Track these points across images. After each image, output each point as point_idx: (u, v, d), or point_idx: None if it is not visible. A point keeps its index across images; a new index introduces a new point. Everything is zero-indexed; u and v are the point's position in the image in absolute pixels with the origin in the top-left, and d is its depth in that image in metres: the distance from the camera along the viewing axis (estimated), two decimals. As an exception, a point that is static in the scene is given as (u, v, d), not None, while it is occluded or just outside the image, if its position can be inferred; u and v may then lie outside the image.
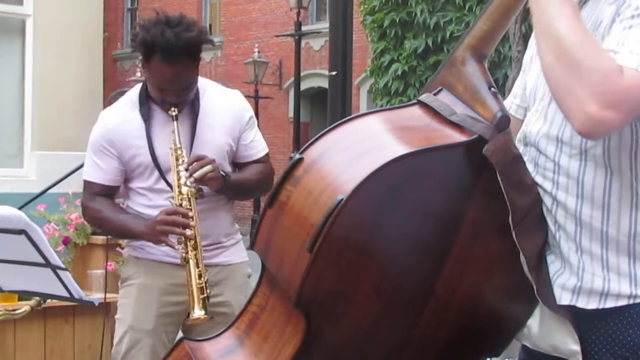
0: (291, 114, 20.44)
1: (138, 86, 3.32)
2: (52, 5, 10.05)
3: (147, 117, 3.22)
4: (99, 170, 3.27)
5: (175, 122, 3.14)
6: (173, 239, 3.07)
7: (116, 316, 3.38)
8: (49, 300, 2.97)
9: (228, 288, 3.31)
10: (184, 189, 3.09)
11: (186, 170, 3.08)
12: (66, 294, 2.57)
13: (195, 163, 3.07)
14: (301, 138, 18.36)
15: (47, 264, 2.47)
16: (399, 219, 1.74)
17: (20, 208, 3.07)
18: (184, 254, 3.03)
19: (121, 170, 3.26)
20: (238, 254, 3.42)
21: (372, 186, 1.67)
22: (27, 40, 10.17)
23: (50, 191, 4.66)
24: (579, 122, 1.60)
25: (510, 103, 2.02)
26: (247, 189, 3.35)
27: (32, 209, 4.74)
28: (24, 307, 2.94)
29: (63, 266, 2.53)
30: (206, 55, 23.29)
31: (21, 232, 2.37)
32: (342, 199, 1.66)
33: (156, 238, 3.10)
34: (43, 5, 10.05)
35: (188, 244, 3.03)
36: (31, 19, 10.12)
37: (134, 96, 3.29)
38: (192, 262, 3.02)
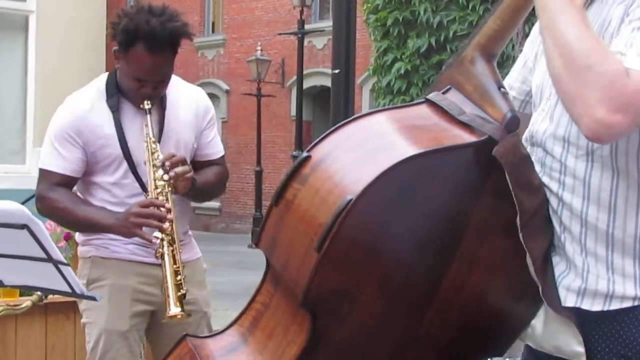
0: (293, 112, 20.44)
1: (104, 75, 3.25)
2: (55, 2, 10.05)
3: (115, 108, 3.14)
4: (61, 159, 3.14)
5: (148, 116, 3.06)
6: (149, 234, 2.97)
7: (84, 320, 3.26)
8: (50, 296, 2.95)
9: (192, 285, 3.20)
10: (160, 183, 3.01)
11: (163, 165, 3.00)
12: (68, 290, 2.56)
13: (174, 158, 3.01)
14: (303, 137, 18.38)
15: (49, 259, 2.46)
16: (407, 219, 1.73)
17: (22, 204, 3.06)
18: (160, 250, 2.94)
19: (84, 161, 3.14)
20: (194, 250, 3.36)
21: (381, 187, 1.67)
22: (29, 36, 10.18)
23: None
24: (587, 127, 1.60)
25: None
26: (207, 192, 3.29)
27: (34, 205, 4.73)
28: (26, 302, 2.92)
29: (65, 261, 2.52)
30: (209, 53, 23.40)
31: (23, 226, 2.36)
32: (351, 200, 1.65)
33: (129, 231, 2.99)
34: (46, 1, 10.05)
35: (165, 239, 2.94)
36: (34, 15, 10.13)
37: (101, 85, 3.21)
38: (167, 258, 2.92)
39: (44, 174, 3.20)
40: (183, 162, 3.03)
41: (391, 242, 1.76)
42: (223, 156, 3.39)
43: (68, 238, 4.93)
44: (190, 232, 3.39)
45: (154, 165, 3.03)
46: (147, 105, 3.07)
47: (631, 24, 1.67)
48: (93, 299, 2.74)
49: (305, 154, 1.80)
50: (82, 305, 3.27)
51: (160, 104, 3.18)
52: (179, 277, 2.91)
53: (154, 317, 3.24)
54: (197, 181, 3.13)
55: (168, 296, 2.89)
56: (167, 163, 3.00)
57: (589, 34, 1.63)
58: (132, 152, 3.12)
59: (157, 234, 2.95)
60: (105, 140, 3.13)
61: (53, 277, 2.52)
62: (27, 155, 10.22)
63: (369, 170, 1.68)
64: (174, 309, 2.88)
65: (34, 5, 10.10)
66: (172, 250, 2.94)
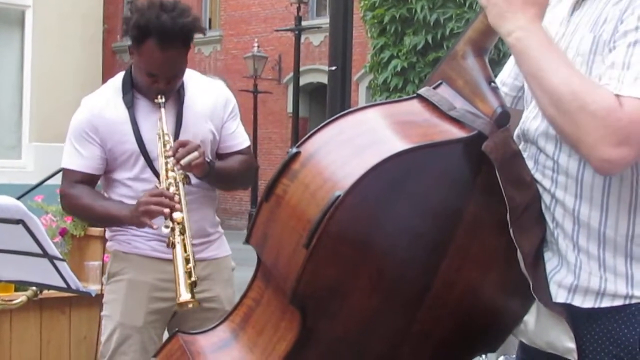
0: (290, 108, 20.42)
1: (121, 74, 3.27)
2: (52, -3, 10.04)
3: (130, 104, 3.17)
4: (80, 158, 3.19)
5: (162, 109, 3.09)
6: (159, 223, 2.97)
7: (103, 313, 3.30)
8: (45, 291, 2.96)
9: (216, 283, 3.27)
10: (171, 174, 3.02)
11: (173, 156, 3.01)
12: (63, 285, 2.56)
13: (181, 149, 3.01)
14: (300, 133, 18.36)
15: (45, 254, 2.46)
16: (396, 215, 1.73)
17: (17, 199, 3.06)
18: (171, 239, 2.93)
19: (103, 158, 3.19)
20: (223, 248, 3.38)
21: (369, 182, 1.66)
22: (26, 31, 10.18)
23: (48, 182, 4.65)
24: (595, 166, 1.64)
25: None
26: (231, 177, 3.27)
27: (30, 200, 4.73)
28: (21, 297, 2.93)
29: (60, 256, 2.53)
30: (205, 50, 23.35)
31: (19, 221, 2.36)
32: (339, 195, 1.65)
33: (138, 220, 3.00)
34: (43, -4, 10.05)
35: (176, 228, 2.94)
36: (30, 10, 10.12)
37: (117, 83, 3.24)
38: (179, 247, 2.91)
39: (65, 173, 3.26)
40: (192, 149, 3.02)
41: (381, 238, 1.75)
42: (249, 147, 3.38)
43: (64, 233, 4.93)
44: (221, 229, 3.40)
45: (165, 157, 3.04)
46: (160, 99, 3.09)
47: (627, 37, 1.66)
48: (88, 294, 2.74)
49: (295, 149, 1.79)
50: (105, 297, 3.31)
51: (177, 98, 3.20)
52: (189, 265, 2.89)
53: (176, 314, 3.25)
54: (215, 165, 3.14)
55: (178, 284, 2.87)
56: (177, 154, 3.01)
57: (572, 74, 1.63)
58: (147, 147, 3.15)
59: (168, 222, 2.94)
60: (121, 136, 3.16)
61: (48, 272, 2.52)
62: (22, 150, 10.22)
63: (358, 166, 1.67)
64: (185, 295, 2.84)
65: (30, 0, 10.09)
66: (183, 239, 2.93)
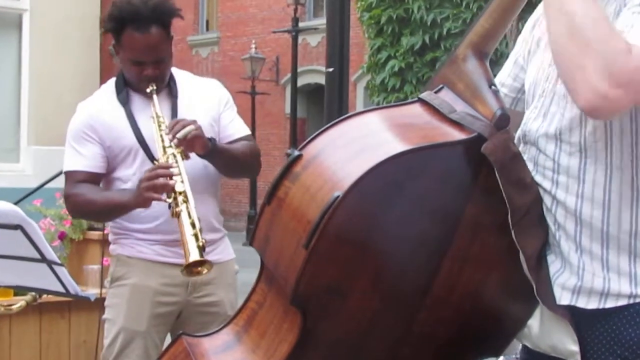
0: (288, 110, 20.43)
1: (113, 79, 3.30)
2: (49, 0, 10.04)
3: (126, 101, 3.19)
4: (81, 158, 3.20)
5: (154, 96, 3.10)
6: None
7: (105, 316, 3.29)
8: (44, 296, 2.96)
9: (219, 287, 3.26)
10: (169, 150, 3.01)
11: (168, 133, 3.00)
12: (62, 290, 2.56)
13: (177, 124, 3.01)
14: (298, 134, 18.38)
15: (43, 259, 2.46)
16: (396, 216, 1.73)
17: (16, 203, 3.06)
18: (175, 209, 2.90)
19: (103, 156, 3.19)
20: (227, 251, 3.37)
21: (369, 183, 1.67)
22: (24, 34, 10.18)
23: (46, 186, 4.66)
24: (585, 99, 1.61)
25: None
26: (234, 158, 3.23)
27: (29, 204, 4.73)
28: (20, 302, 2.94)
29: (59, 261, 2.53)
30: (203, 51, 23.37)
31: (17, 227, 2.37)
32: (338, 196, 1.65)
33: (143, 198, 2.97)
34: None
35: (178, 197, 2.91)
36: (28, 13, 10.13)
37: (110, 86, 3.28)
38: (183, 214, 2.87)
39: (67, 175, 3.25)
40: (186, 123, 3.00)
41: (381, 239, 1.75)
42: (250, 135, 3.38)
43: (63, 237, 4.93)
44: (223, 230, 3.38)
45: (161, 136, 3.04)
46: (151, 87, 3.11)
47: (630, 10, 1.69)
48: (87, 299, 2.75)
49: (297, 152, 1.80)
50: (107, 301, 3.30)
51: (170, 92, 3.22)
52: (195, 229, 2.84)
53: (179, 318, 3.25)
54: (217, 143, 3.12)
55: (186, 244, 2.81)
56: (174, 129, 2.99)
57: (596, 9, 1.64)
58: (146, 141, 3.15)
59: (170, 194, 2.92)
60: (119, 132, 3.17)
61: (47, 277, 2.52)
62: (21, 153, 10.21)
63: (358, 167, 1.68)
64: (194, 254, 2.78)
65: (28, 4, 10.10)
66: (187, 206, 2.89)
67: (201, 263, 2.81)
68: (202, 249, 2.81)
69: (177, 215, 2.89)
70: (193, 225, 2.85)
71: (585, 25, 1.61)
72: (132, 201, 3.04)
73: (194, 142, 3.01)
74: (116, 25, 3.09)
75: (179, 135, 2.98)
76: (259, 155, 3.39)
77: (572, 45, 1.62)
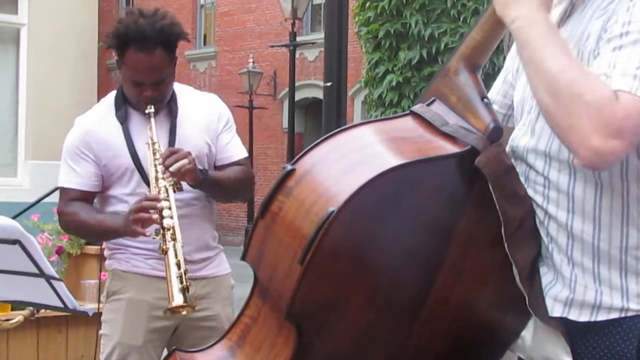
0: (285, 124, 20.43)
1: (113, 92, 3.27)
2: (47, 15, 10.07)
3: (124, 120, 3.17)
4: (76, 176, 3.19)
5: (152, 119, 3.08)
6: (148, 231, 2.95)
7: (102, 331, 3.28)
8: (42, 310, 2.96)
9: (215, 301, 3.26)
10: (161, 183, 2.99)
11: (162, 164, 2.99)
12: (60, 304, 2.56)
13: (171, 156, 2.99)
14: (295, 148, 18.35)
15: (41, 274, 2.46)
16: (391, 230, 1.73)
17: (14, 217, 3.06)
18: (163, 246, 2.90)
19: (98, 175, 3.18)
20: (222, 266, 3.36)
21: (363, 198, 1.67)
22: (21, 49, 10.20)
23: (44, 200, 4.65)
24: (584, 157, 1.59)
25: None
26: (226, 187, 3.23)
27: (26, 219, 4.73)
28: (17, 316, 2.93)
29: (57, 276, 2.53)
30: (200, 66, 23.40)
31: (15, 242, 2.37)
32: (333, 211, 1.65)
33: (131, 229, 2.97)
34: (38, 14, 10.07)
35: (166, 234, 2.91)
36: (26, 28, 10.14)
37: (110, 101, 3.24)
38: (170, 253, 2.87)
39: (61, 191, 3.25)
40: (181, 156, 2.99)
41: (376, 254, 1.75)
42: (246, 158, 3.36)
43: (60, 252, 4.93)
44: (219, 246, 3.38)
45: (155, 166, 3.02)
46: (149, 109, 3.08)
47: (610, 43, 1.66)
48: (85, 314, 2.74)
49: (290, 166, 1.80)
50: (104, 316, 3.29)
51: (169, 111, 3.20)
52: (180, 270, 2.85)
53: (176, 333, 3.24)
54: (209, 174, 3.12)
55: (171, 288, 2.83)
56: (166, 162, 2.98)
57: (571, 63, 1.63)
58: (142, 161, 3.13)
59: (159, 229, 2.92)
60: (115, 151, 3.16)
61: (45, 292, 2.52)
62: (18, 167, 10.21)
63: (352, 182, 1.68)
64: (178, 298, 2.80)
65: (26, 19, 10.12)
66: (174, 245, 2.89)
67: (184, 306, 2.83)
68: (185, 291, 2.82)
69: (164, 252, 2.90)
70: (178, 265, 2.86)
71: (566, 85, 1.59)
72: (121, 229, 3.04)
73: (186, 175, 3.01)
74: (120, 43, 3.06)
75: (172, 168, 2.97)
76: (252, 180, 3.39)
77: (556, 107, 1.61)
